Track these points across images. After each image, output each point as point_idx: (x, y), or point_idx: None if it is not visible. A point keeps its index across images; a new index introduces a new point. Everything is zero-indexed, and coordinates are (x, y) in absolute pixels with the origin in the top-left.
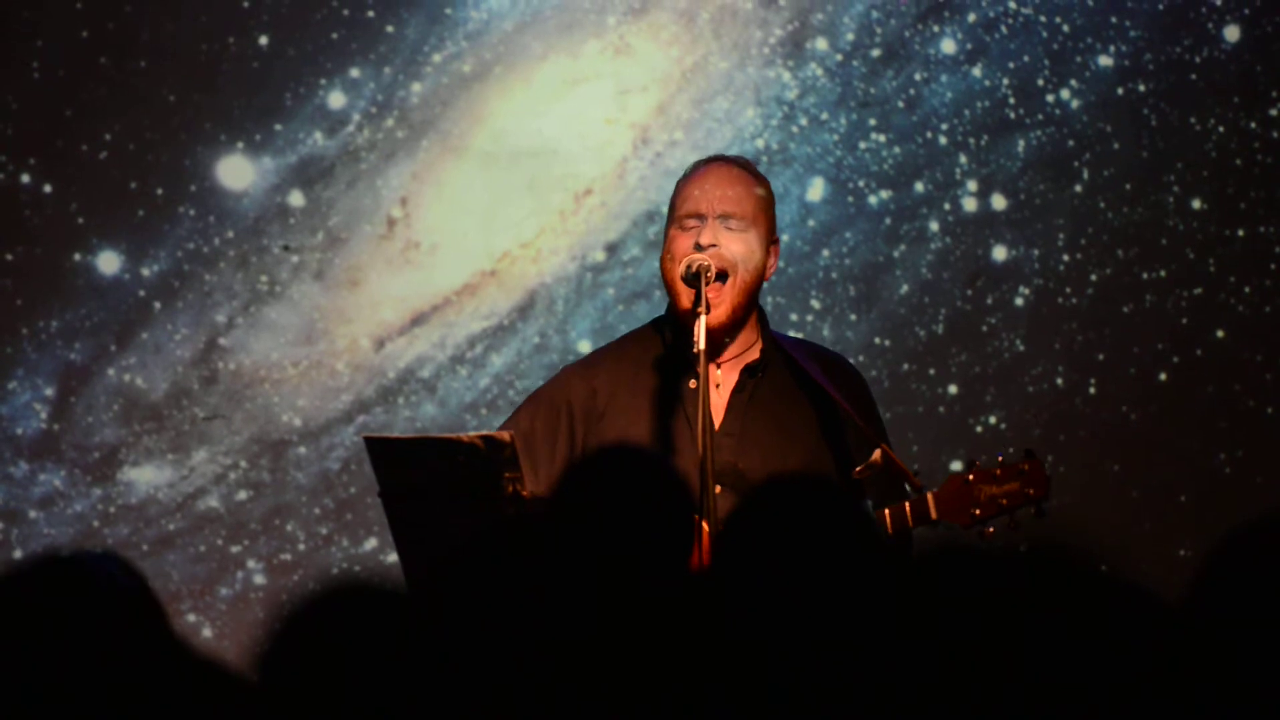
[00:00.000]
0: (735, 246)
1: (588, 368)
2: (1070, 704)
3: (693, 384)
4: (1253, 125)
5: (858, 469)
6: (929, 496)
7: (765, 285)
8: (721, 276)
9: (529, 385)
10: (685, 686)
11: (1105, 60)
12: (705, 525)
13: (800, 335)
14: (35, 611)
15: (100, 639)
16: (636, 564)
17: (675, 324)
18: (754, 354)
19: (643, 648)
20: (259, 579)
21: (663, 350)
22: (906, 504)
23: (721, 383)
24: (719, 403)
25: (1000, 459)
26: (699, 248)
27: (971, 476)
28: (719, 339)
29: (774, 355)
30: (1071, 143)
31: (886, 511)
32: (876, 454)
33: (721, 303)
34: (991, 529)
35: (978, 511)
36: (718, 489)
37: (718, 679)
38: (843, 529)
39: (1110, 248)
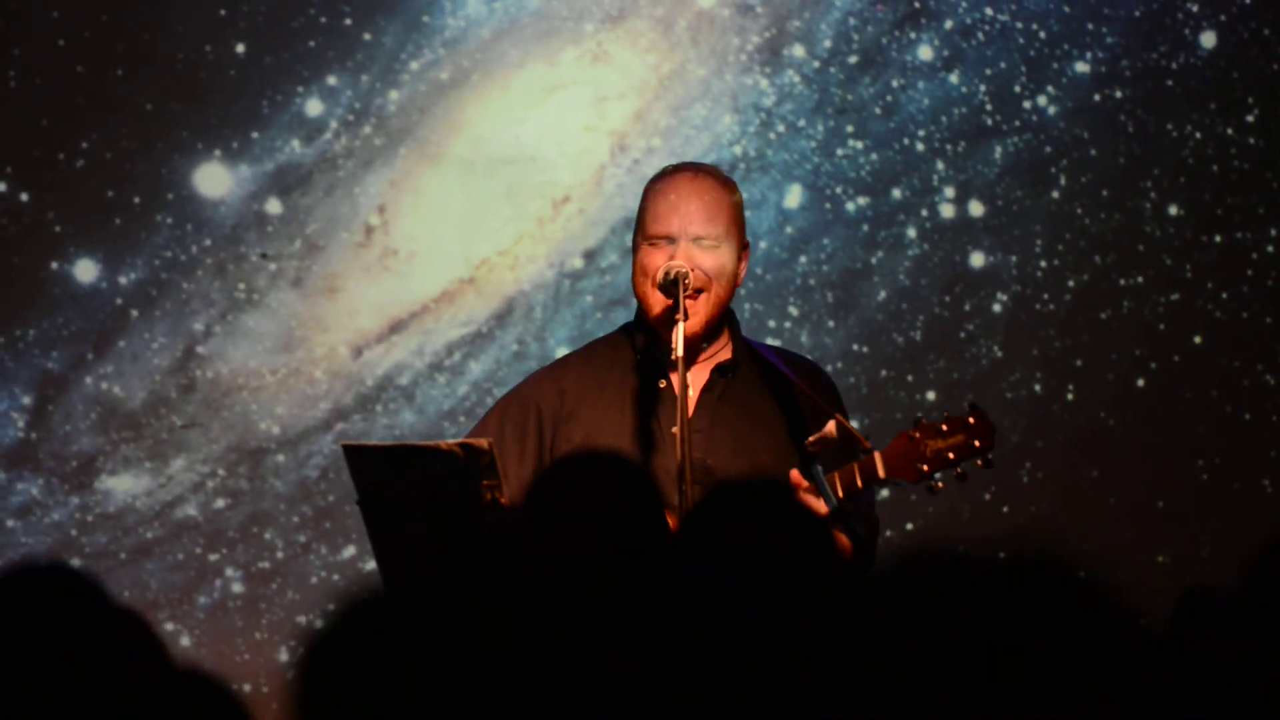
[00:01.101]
0: (708, 264)
1: (556, 370)
2: (1047, 711)
3: (662, 384)
4: (1229, 131)
5: (810, 440)
6: (876, 456)
7: (740, 291)
8: (697, 292)
9: (506, 393)
10: (656, 682)
11: (1082, 67)
12: (669, 520)
13: (778, 343)
14: (19, 619)
15: (84, 647)
16: (606, 563)
17: (645, 329)
18: (726, 354)
19: (615, 646)
20: (237, 587)
21: (633, 353)
22: (855, 465)
23: (692, 381)
24: (689, 401)
25: (946, 414)
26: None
27: (917, 434)
28: (694, 346)
29: (745, 356)
30: (1049, 149)
31: (836, 476)
32: (830, 425)
33: (696, 314)
34: (940, 483)
35: (925, 467)
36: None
37: (683, 673)
38: (807, 526)
39: (1088, 254)
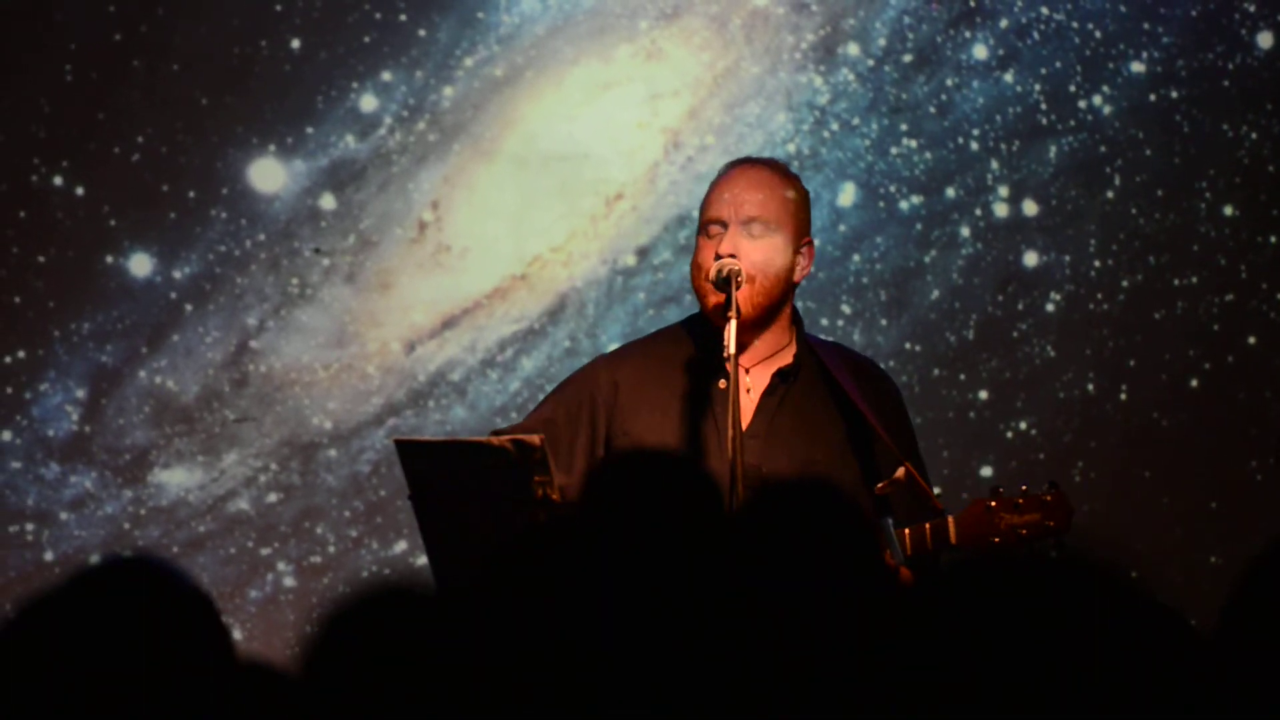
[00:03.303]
0: (756, 254)
1: (615, 360)
2: (1098, 711)
3: (722, 384)
4: None
5: (880, 485)
6: (950, 520)
7: (797, 289)
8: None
9: None
10: (699, 685)
11: (1137, 66)
12: (719, 524)
13: (832, 339)
14: (99, 614)
15: (157, 642)
16: (657, 564)
17: (704, 325)
18: (787, 358)
19: (662, 648)
20: (289, 581)
21: (693, 349)
22: (927, 526)
23: (752, 386)
24: (748, 405)
25: (1024, 488)
26: (719, 257)
27: (994, 503)
28: (741, 336)
29: (808, 361)
30: (1103, 149)
31: (906, 532)
32: (900, 471)
33: (740, 303)
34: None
35: (996, 540)
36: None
37: (727, 677)
38: (855, 538)
39: (1141, 254)
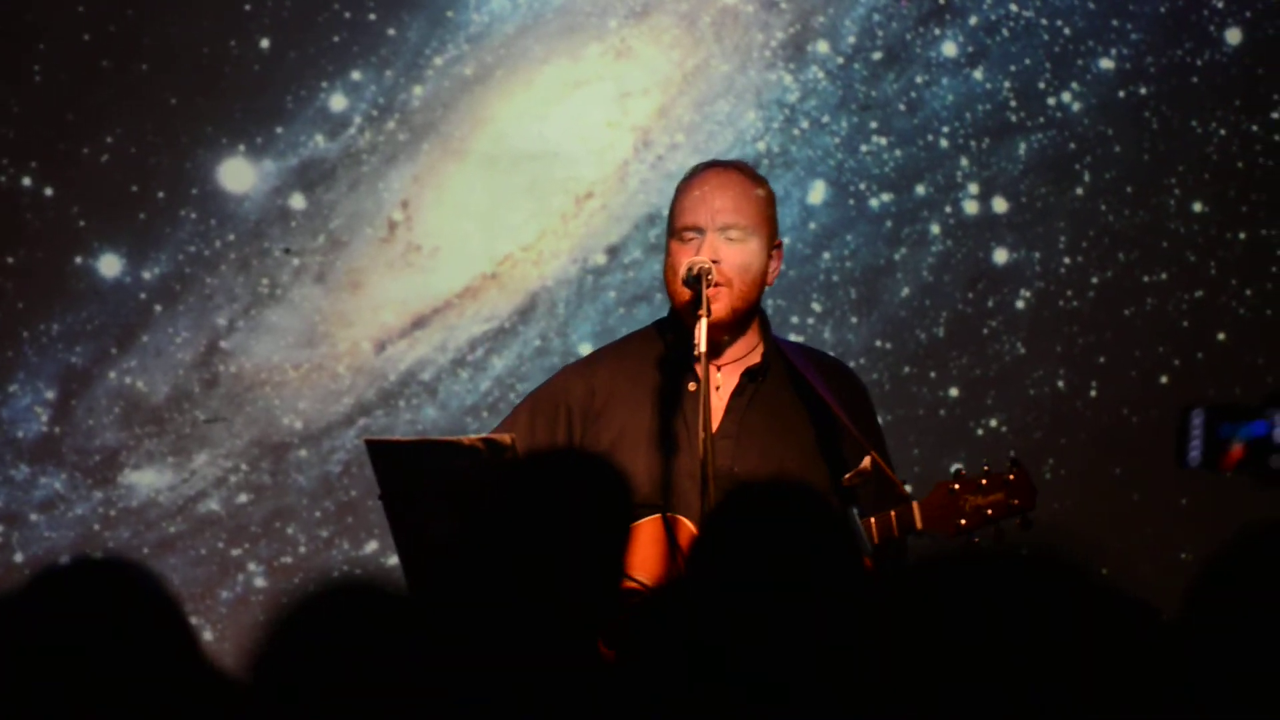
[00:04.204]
0: (734, 259)
1: (587, 366)
2: (1070, 708)
3: (692, 386)
4: (1254, 128)
5: (846, 476)
6: (915, 506)
7: (767, 289)
8: (719, 285)
9: (530, 388)
10: (670, 686)
11: (1106, 63)
12: (692, 525)
13: (801, 339)
14: (59, 616)
15: (121, 644)
16: (629, 562)
17: (677, 326)
18: (755, 357)
19: (631, 648)
20: (259, 582)
21: (664, 351)
22: (892, 513)
23: (721, 385)
24: (718, 405)
25: (986, 467)
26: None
27: (957, 486)
28: (717, 338)
29: (775, 360)
30: (1073, 145)
31: (873, 520)
32: (866, 461)
33: (718, 299)
34: (977, 539)
35: (963, 522)
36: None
37: (698, 679)
38: (828, 536)
39: (1111, 251)
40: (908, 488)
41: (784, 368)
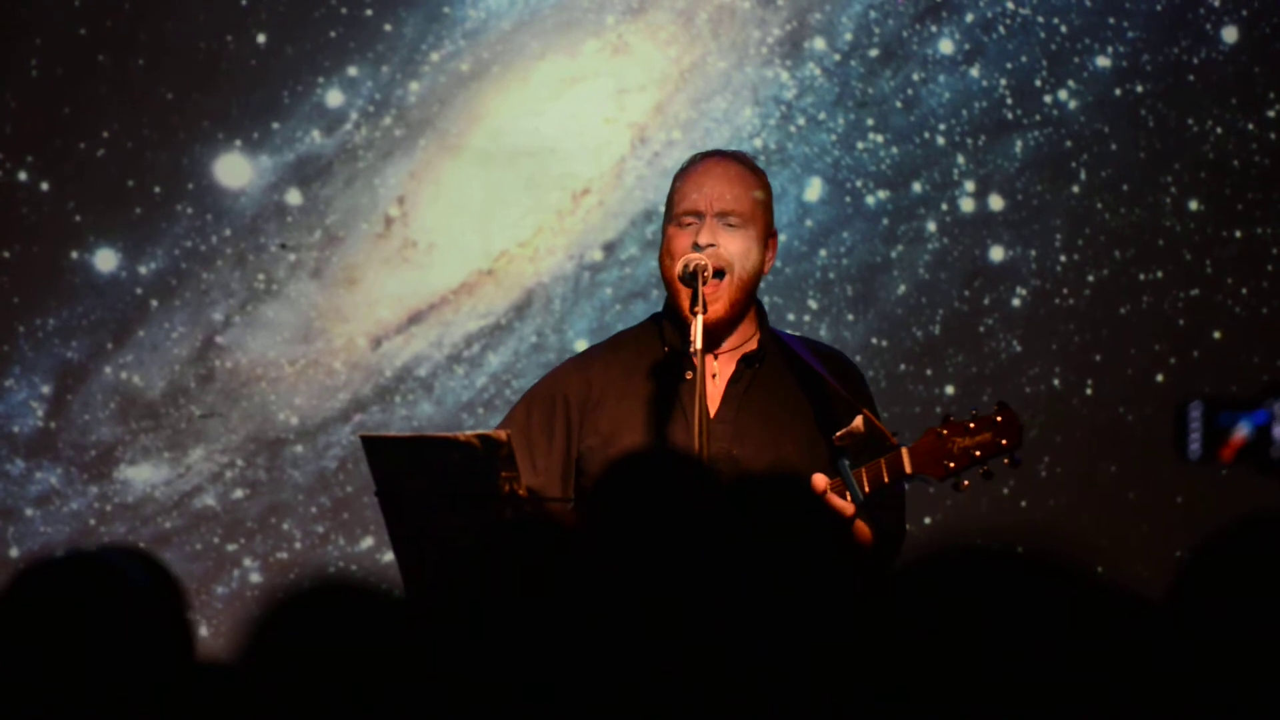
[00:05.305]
0: (733, 245)
1: (583, 361)
2: (1065, 706)
3: (689, 375)
4: (1250, 127)
5: (838, 435)
6: (903, 452)
7: (763, 283)
8: (719, 274)
9: (526, 384)
10: (675, 677)
11: (1103, 61)
12: (689, 509)
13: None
14: (56, 608)
15: (118, 637)
16: (632, 554)
17: (674, 319)
18: (752, 345)
19: (637, 637)
20: (255, 577)
21: (660, 344)
22: (882, 461)
23: (718, 372)
24: (715, 392)
25: (974, 411)
26: (697, 247)
27: (945, 430)
28: (717, 334)
29: (772, 347)
30: (1069, 143)
31: (863, 470)
32: (858, 420)
33: (718, 299)
34: (966, 482)
35: (951, 464)
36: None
37: (702, 662)
38: (830, 518)
39: (1107, 248)
40: (897, 439)
41: (781, 354)
